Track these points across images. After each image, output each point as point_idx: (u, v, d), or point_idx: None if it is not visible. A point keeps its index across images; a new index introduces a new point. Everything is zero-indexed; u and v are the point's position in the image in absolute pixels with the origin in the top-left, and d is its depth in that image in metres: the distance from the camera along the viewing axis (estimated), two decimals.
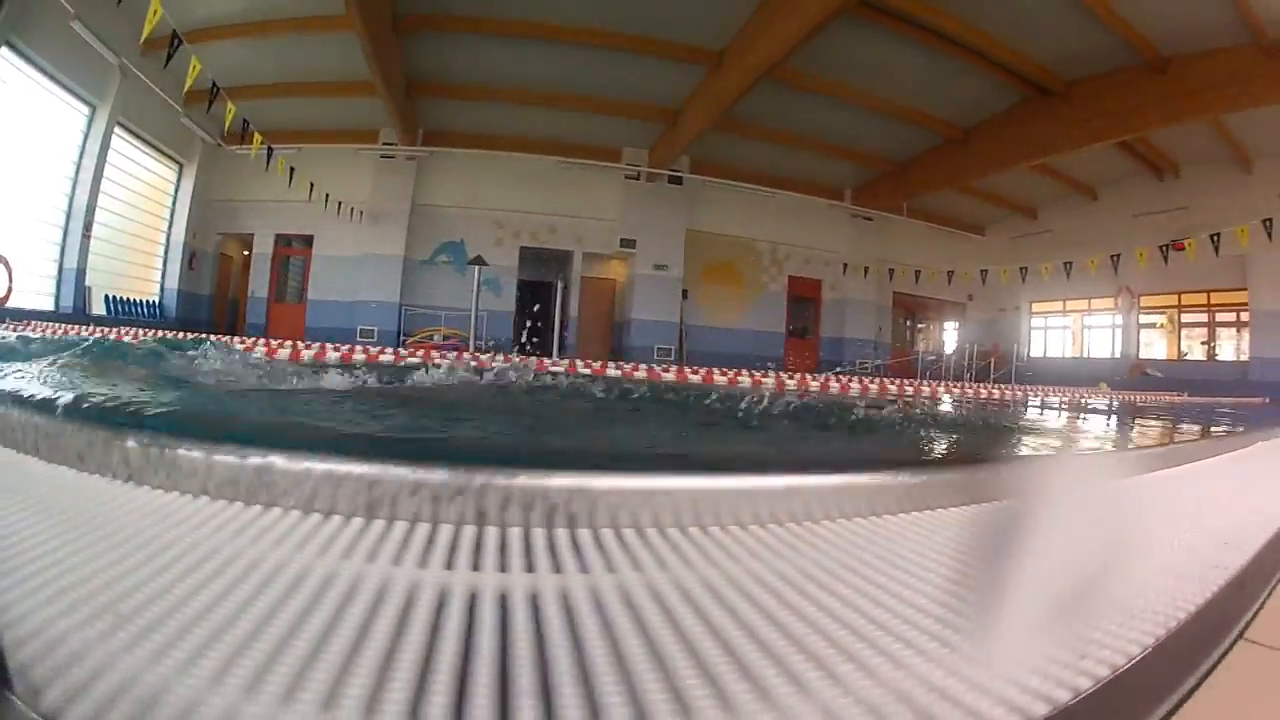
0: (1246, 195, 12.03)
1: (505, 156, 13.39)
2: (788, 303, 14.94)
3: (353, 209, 12.94)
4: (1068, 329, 16.67)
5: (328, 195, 12.41)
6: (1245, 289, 13.01)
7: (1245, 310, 13.23)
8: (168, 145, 12.96)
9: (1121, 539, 0.83)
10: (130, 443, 0.92)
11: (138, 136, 12.01)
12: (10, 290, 9.55)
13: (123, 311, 12.29)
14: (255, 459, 0.84)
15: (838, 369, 13.39)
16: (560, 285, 11.39)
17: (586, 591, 0.62)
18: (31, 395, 1.33)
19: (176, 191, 13.82)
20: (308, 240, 13.76)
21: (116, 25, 9.78)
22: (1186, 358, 14.38)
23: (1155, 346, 15.05)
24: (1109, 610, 0.63)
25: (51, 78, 9.91)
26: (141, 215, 13.00)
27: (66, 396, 1.31)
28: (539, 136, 13.21)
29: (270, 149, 10.88)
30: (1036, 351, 16.84)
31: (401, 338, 12.72)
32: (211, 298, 14.26)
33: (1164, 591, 0.72)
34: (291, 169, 11.56)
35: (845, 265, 14.83)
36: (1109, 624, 0.61)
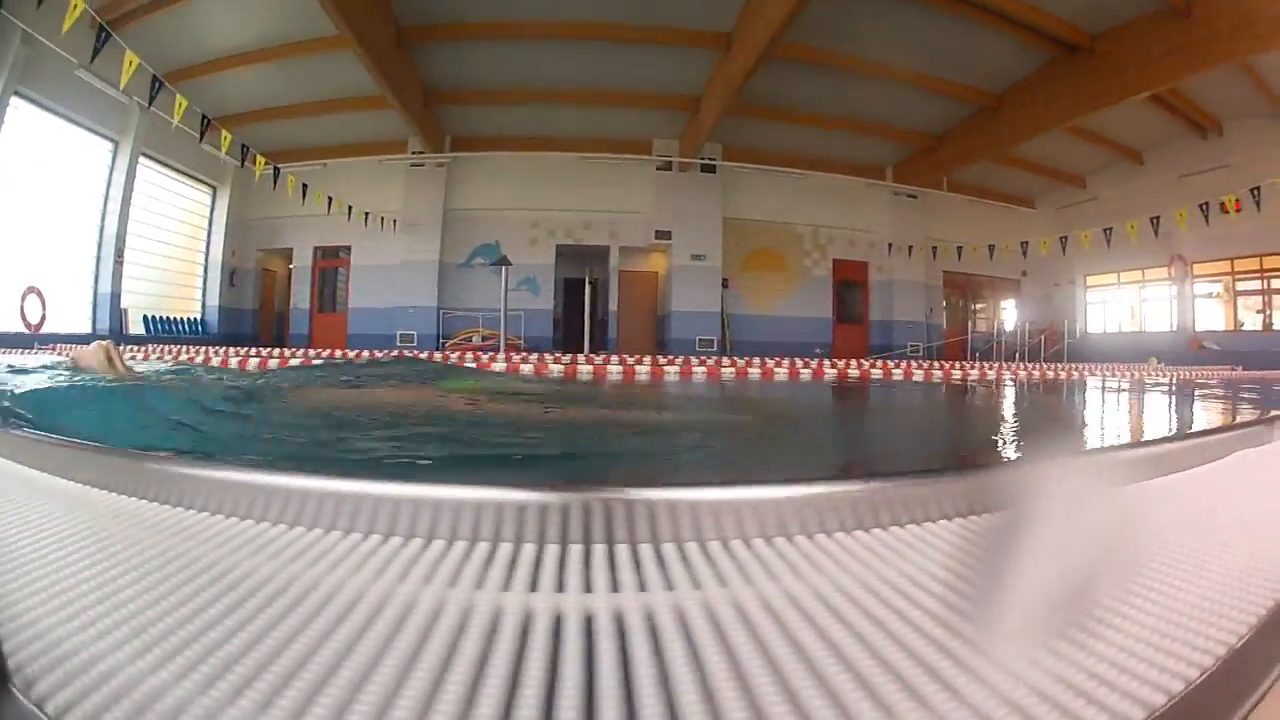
0: None
1: (533, 156, 13.34)
2: (834, 287, 14.44)
3: (382, 219, 13.00)
4: (1125, 303, 15.93)
5: (350, 207, 12.51)
6: None
7: None
8: (198, 171, 13.36)
9: (1169, 544, 0.76)
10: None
11: (166, 165, 12.46)
12: (44, 317, 10.06)
13: (162, 330, 12.74)
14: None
15: (884, 355, 12.96)
16: (589, 281, 11.17)
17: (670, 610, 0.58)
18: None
19: (212, 213, 14.33)
20: (345, 251, 13.97)
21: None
22: (1243, 328, 13.55)
23: (1213, 317, 14.20)
24: (1162, 627, 0.57)
25: (69, 120, 10.33)
26: (179, 238, 13.53)
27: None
28: (566, 134, 13.16)
29: (277, 169, 11.17)
30: (1095, 327, 16.07)
31: (441, 340, 12.62)
32: (255, 312, 14.69)
33: (1219, 610, 0.62)
34: (304, 185, 11.72)
35: (890, 245, 14.32)
36: (1161, 642, 0.55)
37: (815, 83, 11.42)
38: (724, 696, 0.44)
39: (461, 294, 13.20)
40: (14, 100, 9.19)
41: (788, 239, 14.18)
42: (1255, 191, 10.22)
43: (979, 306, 16.82)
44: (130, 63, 7.40)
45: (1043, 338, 13.59)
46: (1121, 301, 15.89)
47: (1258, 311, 13.35)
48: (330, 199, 12.19)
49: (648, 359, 8.12)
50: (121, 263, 11.49)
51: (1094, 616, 0.56)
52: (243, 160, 10.68)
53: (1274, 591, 0.67)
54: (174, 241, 13.34)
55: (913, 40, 10.29)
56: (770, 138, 13.30)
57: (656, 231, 13.32)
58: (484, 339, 12.12)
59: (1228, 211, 11.28)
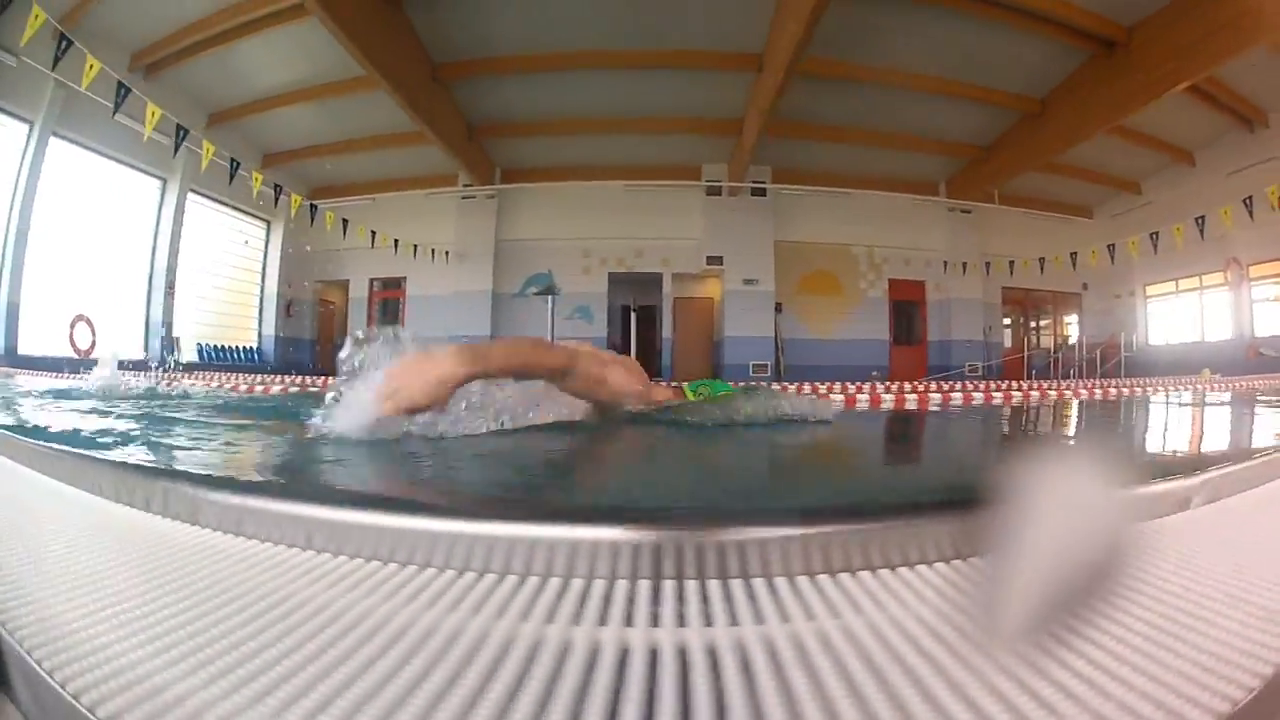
0: None
1: (583, 186, 13.41)
2: (890, 308, 14.24)
3: (433, 250, 13.27)
4: (1184, 312, 15.46)
5: (396, 241, 12.82)
6: None
7: None
8: (250, 206, 13.60)
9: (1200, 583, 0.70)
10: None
11: (217, 200, 12.80)
12: (94, 344, 10.56)
13: (217, 358, 13.14)
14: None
15: (941, 375, 12.77)
16: (633, 309, 11.20)
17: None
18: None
19: (266, 246, 14.62)
20: (401, 282, 14.23)
21: (176, 103, 10.27)
22: None
23: (1274, 322, 13.56)
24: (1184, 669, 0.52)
25: (114, 159, 10.72)
26: (234, 270, 13.99)
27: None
28: (614, 163, 13.20)
29: (314, 206, 11.58)
30: (1157, 339, 15.63)
31: None
32: (313, 342, 15.07)
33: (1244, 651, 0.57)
34: (345, 220, 12.03)
35: (945, 264, 14.11)
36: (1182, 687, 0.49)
37: (857, 99, 11.35)
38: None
39: (516, 323, 13.31)
40: (54, 140, 9.65)
41: (842, 260, 14.03)
42: None
43: (1042, 323, 16.45)
44: (153, 113, 7.59)
45: (1098, 353, 13.27)
46: (1182, 310, 15.46)
47: None
48: (374, 233, 12.45)
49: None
50: (173, 294, 11.96)
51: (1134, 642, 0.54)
52: (276, 199, 10.93)
53: None
54: (229, 274, 13.82)
55: (947, 48, 10.16)
56: (819, 158, 13.21)
57: (708, 258, 13.28)
58: None
59: (1276, 208, 10.84)
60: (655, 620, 0.61)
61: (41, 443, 1.28)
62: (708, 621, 0.61)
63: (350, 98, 11.12)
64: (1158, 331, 15.73)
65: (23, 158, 9.49)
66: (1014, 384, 9.91)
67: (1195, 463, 1.02)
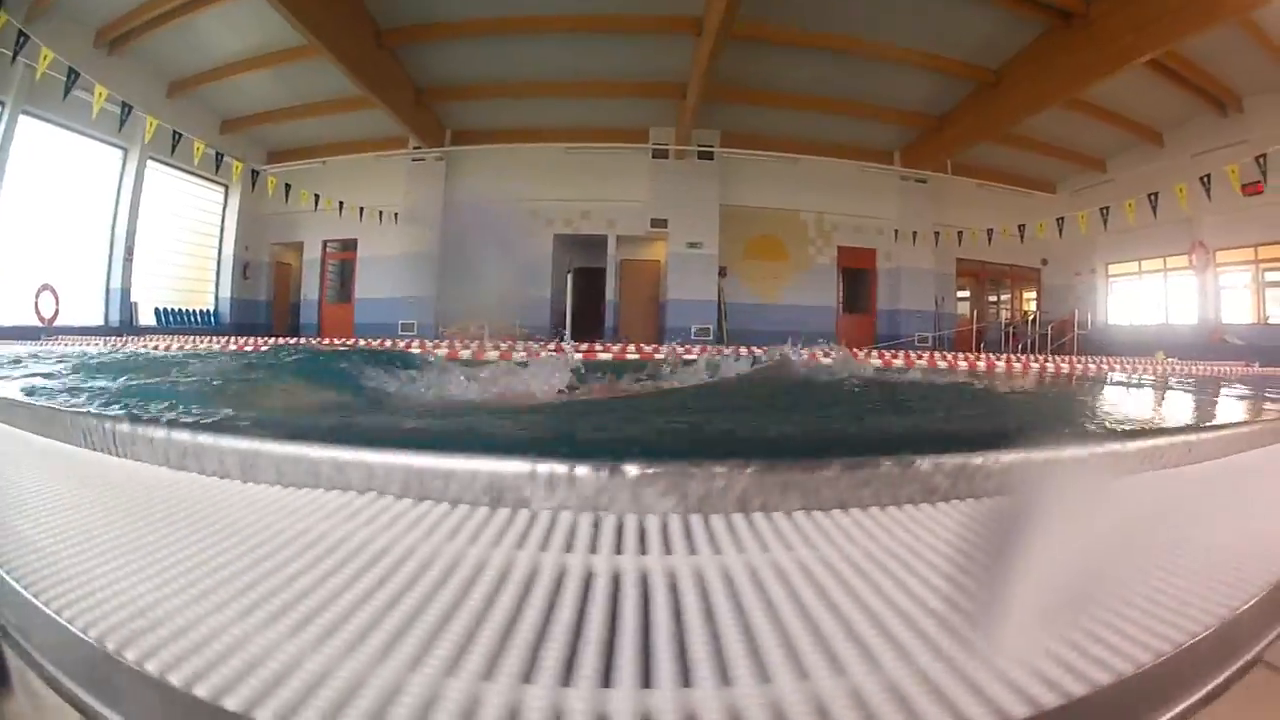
0: None
1: (530, 148, 13.44)
2: (839, 275, 14.11)
3: (380, 213, 13.35)
4: (1147, 293, 15.22)
5: (341, 203, 12.95)
6: None
7: None
8: (207, 172, 13.73)
9: (1144, 538, 0.81)
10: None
11: (175, 168, 13.00)
12: (57, 312, 10.85)
13: (172, 321, 13.26)
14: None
15: (890, 345, 12.62)
16: (568, 271, 11.19)
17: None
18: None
19: (224, 210, 14.73)
20: (353, 244, 14.37)
21: (132, 80, 10.73)
22: (1270, 321, 12.71)
23: (1241, 309, 13.31)
24: (1123, 613, 0.61)
25: (78, 132, 10.89)
26: (192, 234, 14.15)
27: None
28: (563, 125, 13.24)
29: (255, 172, 11.99)
30: (1118, 319, 15.36)
31: (439, 329, 12.75)
32: (269, 303, 15.30)
33: (1185, 600, 0.65)
34: (287, 185, 12.31)
35: (896, 232, 13.97)
36: (1120, 628, 0.59)
37: (811, 66, 11.26)
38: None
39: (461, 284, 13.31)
40: (23, 118, 9.94)
41: (790, 226, 13.92)
42: (1261, 160, 9.44)
43: (1001, 297, 16.27)
44: (100, 93, 8.03)
45: (1049, 329, 13.08)
46: (1144, 292, 15.23)
47: None
48: (318, 197, 12.58)
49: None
50: (131, 259, 12.17)
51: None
52: (217, 166, 11.11)
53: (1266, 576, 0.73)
54: (187, 238, 13.96)
55: (903, 16, 10.07)
56: (771, 123, 13.12)
57: (652, 220, 13.24)
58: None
59: (1252, 194, 10.65)
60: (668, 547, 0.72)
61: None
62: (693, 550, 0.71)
63: (301, 64, 11.17)
64: (1119, 311, 15.51)
65: None
66: (953, 355, 9.81)
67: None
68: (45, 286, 10.73)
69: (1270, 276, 12.71)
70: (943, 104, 12.84)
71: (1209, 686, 0.57)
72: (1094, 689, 0.49)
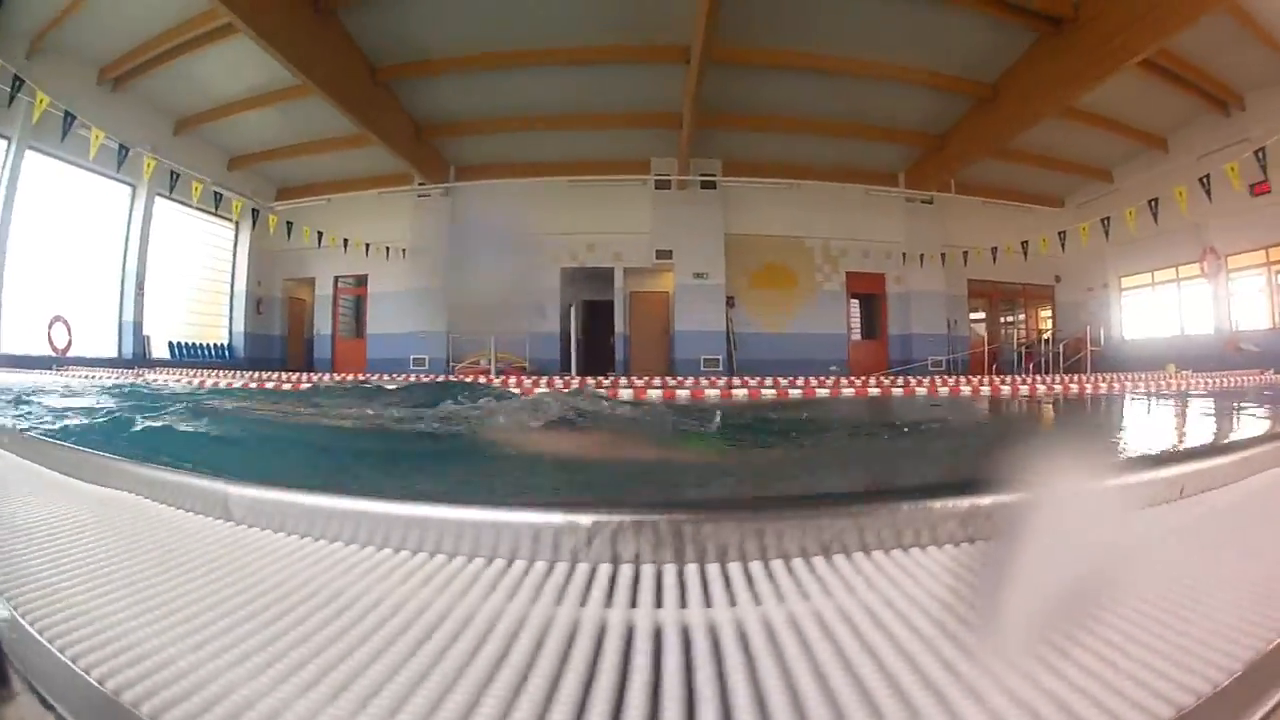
0: None
1: (534, 182, 13.43)
2: (848, 301, 14.03)
3: (387, 249, 13.48)
4: (1162, 305, 14.96)
5: (346, 241, 13.15)
6: None
7: None
8: (209, 209, 13.90)
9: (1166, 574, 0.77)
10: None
11: (185, 204, 13.08)
12: (70, 343, 11.07)
13: (187, 355, 13.51)
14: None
15: (903, 369, 12.57)
16: (573, 306, 11.21)
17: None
18: None
19: (235, 246, 14.89)
20: (363, 280, 14.52)
21: (137, 117, 11.00)
22: None
23: (1258, 315, 12.86)
24: (1162, 651, 0.58)
25: (86, 169, 10.94)
26: (205, 270, 14.31)
27: None
28: (565, 158, 13.26)
29: (255, 211, 12.25)
30: (1134, 333, 15.09)
31: (450, 364, 12.86)
32: (283, 338, 15.48)
33: (1221, 636, 0.63)
34: (289, 223, 12.58)
35: (904, 255, 13.86)
36: (1159, 667, 0.56)
37: (806, 88, 11.23)
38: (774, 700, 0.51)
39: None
40: (29, 154, 10.11)
41: (797, 253, 13.86)
42: (1260, 154, 9.15)
43: (1016, 317, 16.03)
44: (96, 136, 8.23)
45: (1062, 347, 12.92)
46: (1158, 304, 14.97)
47: None
48: (320, 234, 12.69)
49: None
50: (142, 293, 12.39)
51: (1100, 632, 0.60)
52: (216, 205, 11.25)
53: None
54: (200, 273, 14.15)
55: (893, 33, 10.00)
56: (772, 150, 13.07)
57: (657, 251, 13.24)
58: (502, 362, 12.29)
59: (1261, 194, 10.32)
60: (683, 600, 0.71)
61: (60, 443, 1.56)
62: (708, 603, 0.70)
63: (303, 101, 11.21)
64: (1134, 325, 15.27)
65: (1, 171, 9.90)
66: (958, 380, 9.75)
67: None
68: (58, 318, 10.97)
69: None
70: (942, 122, 12.73)
71: None
72: None
